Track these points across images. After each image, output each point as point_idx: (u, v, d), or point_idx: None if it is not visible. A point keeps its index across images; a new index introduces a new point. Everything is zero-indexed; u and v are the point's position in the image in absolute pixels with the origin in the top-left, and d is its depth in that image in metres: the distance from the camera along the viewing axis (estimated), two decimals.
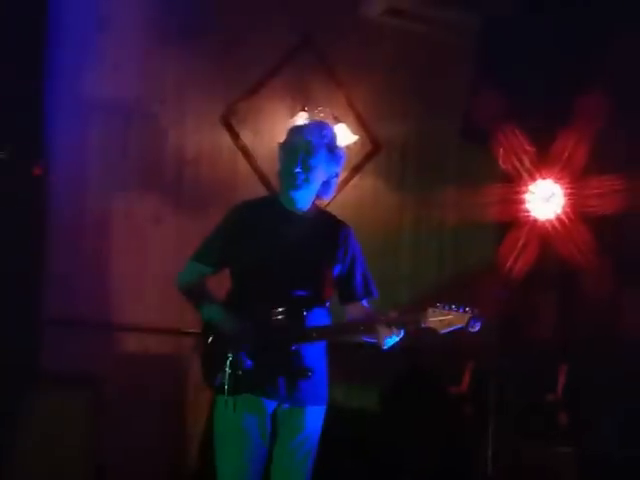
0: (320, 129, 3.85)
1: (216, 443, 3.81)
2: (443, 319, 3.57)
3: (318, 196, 3.89)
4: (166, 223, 5.73)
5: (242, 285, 3.84)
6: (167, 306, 5.39)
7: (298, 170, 3.75)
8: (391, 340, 3.66)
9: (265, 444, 3.77)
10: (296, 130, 3.90)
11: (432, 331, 3.59)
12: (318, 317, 3.77)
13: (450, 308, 3.56)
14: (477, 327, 3.56)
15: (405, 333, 3.66)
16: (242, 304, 3.76)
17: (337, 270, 3.86)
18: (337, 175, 3.91)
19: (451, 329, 3.58)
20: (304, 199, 3.84)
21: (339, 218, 3.99)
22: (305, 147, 3.76)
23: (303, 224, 3.84)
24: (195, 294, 3.88)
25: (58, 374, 5.12)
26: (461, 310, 3.56)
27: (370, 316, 3.79)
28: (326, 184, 3.87)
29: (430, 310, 3.58)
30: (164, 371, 5.55)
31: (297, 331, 3.70)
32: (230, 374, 3.69)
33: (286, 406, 3.77)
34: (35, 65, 5.32)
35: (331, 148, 3.83)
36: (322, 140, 3.79)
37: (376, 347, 3.71)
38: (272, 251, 3.78)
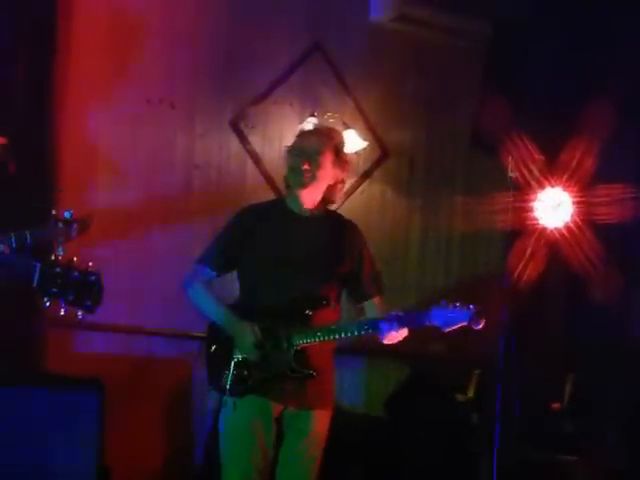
0: (329, 131, 3.93)
1: (222, 445, 3.82)
2: (447, 317, 3.59)
3: (324, 200, 3.91)
4: (174, 227, 5.73)
5: (250, 287, 3.86)
6: (173, 309, 5.40)
7: (306, 167, 3.77)
8: (395, 338, 3.68)
9: (271, 446, 3.77)
10: (305, 132, 3.95)
11: (436, 329, 3.62)
12: (325, 317, 3.78)
13: (454, 306, 3.59)
14: (480, 325, 3.59)
15: (409, 331, 3.69)
16: (250, 306, 3.78)
17: (345, 269, 3.88)
18: (343, 182, 3.93)
19: (455, 327, 3.61)
20: (310, 199, 3.85)
21: (345, 217, 4.01)
22: (314, 145, 3.80)
23: (309, 225, 3.87)
24: (202, 298, 3.89)
25: (64, 376, 5.11)
26: (464, 308, 3.58)
27: (379, 314, 3.80)
28: (332, 188, 3.89)
29: (434, 308, 3.60)
30: (170, 373, 5.56)
31: (303, 332, 3.70)
32: (236, 376, 3.71)
33: (292, 409, 3.77)
34: (44, 68, 5.33)
35: (338, 151, 3.86)
36: (331, 141, 3.84)
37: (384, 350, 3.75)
38: (279, 253, 3.80)
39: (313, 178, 3.80)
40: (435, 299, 6.11)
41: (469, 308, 3.59)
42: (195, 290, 3.90)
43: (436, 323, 3.61)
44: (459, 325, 3.60)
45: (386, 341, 3.72)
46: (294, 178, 3.84)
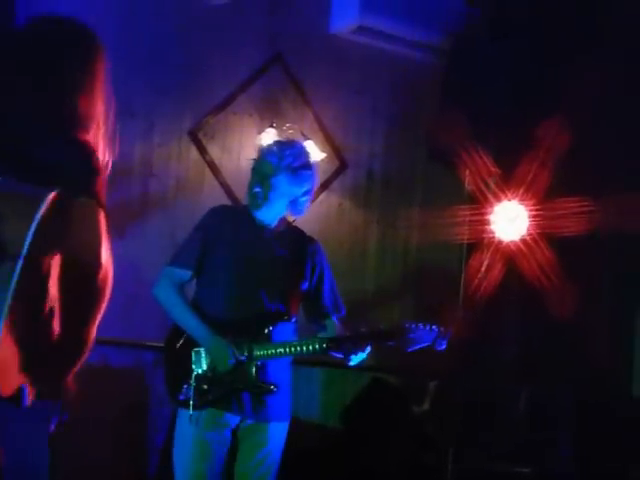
0: (281, 150, 3.84)
1: (176, 457, 3.78)
2: (410, 337, 3.58)
3: (290, 213, 3.90)
4: (131, 236, 5.68)
5: (209, 296, 3.81)
6: (129, 319, 5.35)
7: (257, 190, 3.77)
8: (358, 357, 3.66)
9: (226, 459, 3.75)
10: (260, 150, 3.93)
11: (399, 349, 3.60)
12: (284, 332, 3.76)
13: (417, 326, 3.58)
14: (443, 345, 3.59)
15: (371, 350, 3.67)
16: (207, 315, 3.73)
17: (305, 286, 3.86)
18: (306, 194, 3.88)
19: (418, 347, 3.60)
20: (269, 217, 3.85)
21: (307, 233, 3.99)
22: (265, 167, 3.78)
23: (272, 239, 3.85)
24: (174, 304, 3.81)
25: None
26: (428, 328, 3.57)
27: (339, 333, 3.79)
28: (294, 203, 3.86)
29: (397, 328, 3.58)
30: (125, 384, 5.50)
31: (263, 347, 3.68)
32: (196, 389, 3.66)
33: (249, 422, 3.75)
34: None
35: (293, 169, 3.80)
36: (281, 162, 3.78)
37: (342, 363, 3.72)
38: (241, 265, 3.77)
39: (265, 200, 3.79)
40: (393, 312, 6.19)
41: (432, 329, 3.58)
42: (166, 295, 3.79)
43: (399, 344, 3.59)
44: (422, 346, 3.59)
45: (351, 363, 3.68)
46: (249, 198, 3.84)
